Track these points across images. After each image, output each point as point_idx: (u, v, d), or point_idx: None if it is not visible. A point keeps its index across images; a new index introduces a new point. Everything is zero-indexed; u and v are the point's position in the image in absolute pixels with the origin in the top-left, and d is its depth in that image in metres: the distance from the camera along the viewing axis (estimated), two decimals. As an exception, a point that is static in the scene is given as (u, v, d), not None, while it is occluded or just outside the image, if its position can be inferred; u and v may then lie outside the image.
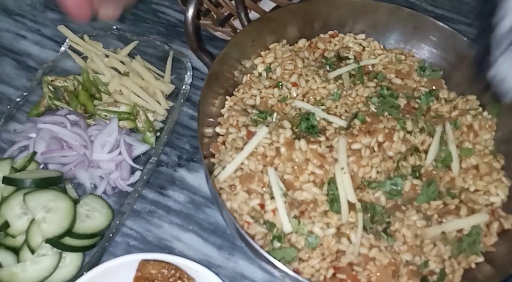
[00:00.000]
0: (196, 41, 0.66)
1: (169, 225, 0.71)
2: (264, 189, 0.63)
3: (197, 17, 0.81)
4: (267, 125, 0.67)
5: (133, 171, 0.72)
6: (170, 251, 0.69)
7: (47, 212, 0.61)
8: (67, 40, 0.81)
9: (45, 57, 0.86)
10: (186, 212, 0.72)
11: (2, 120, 0.72)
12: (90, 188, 0.71)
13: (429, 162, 0.68)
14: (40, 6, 0.93)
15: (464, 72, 0.76)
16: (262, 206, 0.61)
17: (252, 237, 0.58)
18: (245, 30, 0.72)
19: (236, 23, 0.84)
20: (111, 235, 0.64)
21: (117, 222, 0.65)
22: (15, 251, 0.62)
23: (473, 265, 0.63)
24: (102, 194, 0.70)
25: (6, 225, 0.60)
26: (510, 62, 0.42)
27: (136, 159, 0.74)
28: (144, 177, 0.69)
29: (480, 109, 0.75)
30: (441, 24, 0.77)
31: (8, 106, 0.74)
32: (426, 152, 0.69)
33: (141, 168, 0.72)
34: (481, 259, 0.63)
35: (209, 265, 0.67)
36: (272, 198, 0.61)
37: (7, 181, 0.63)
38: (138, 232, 0.70)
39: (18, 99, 0.74)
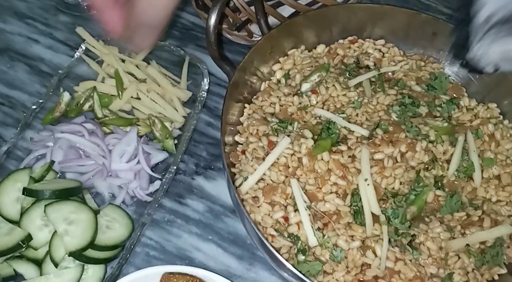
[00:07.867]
0: (217, 51, 0.65)
1: (189, 235, 0.70)
2: (287, 201, 0.62)
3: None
4: (288, 135, 0.67)
5: (151, 180, 0.71)
6: (190, 261, 0.68)
7: (69, 224, 0.61)
8: (82, 45, 0.79)
9: (58, 62, 0.85)
10: (205, 221, 0.71)
11: (18, 128, 0.71)
12: (109, 197, 0.70)
13: (451, 172, 0.67)
14: (51, 9, 0.91)
15: (484, 79, 0.76)
16: (286, 218, 0.61)
17: (278, 251, 0.57)
18: (266, 37, 0.70)
19: (253, 27, 0.83)
20: (132, 246, 0.64)
21: (138, 233, 0.64)
22: (37, 263, 0.61)
23: (496, 277, 0.63)
24: (121, 204, 0.70)
25: (29, 238, 0.60)
26: (484, 48, 0.52)
27: (154, 167, 0.73)
28: (164, 187, 0.68)
29: (501, 117, 0.74)
30: (460, 30, 0.75)
31: (24, 114, 0.73)
32: (448, 161, 0.68)
33: (159, 177, 0.71)
34: (504, 270, 0.63)
35: (229, 276, 0.67)
36: (296, 210, 0.61)
37: (27, 192, 0.62)
38: (158, 242, 0.69)
39: (34, 107, 0.73)
